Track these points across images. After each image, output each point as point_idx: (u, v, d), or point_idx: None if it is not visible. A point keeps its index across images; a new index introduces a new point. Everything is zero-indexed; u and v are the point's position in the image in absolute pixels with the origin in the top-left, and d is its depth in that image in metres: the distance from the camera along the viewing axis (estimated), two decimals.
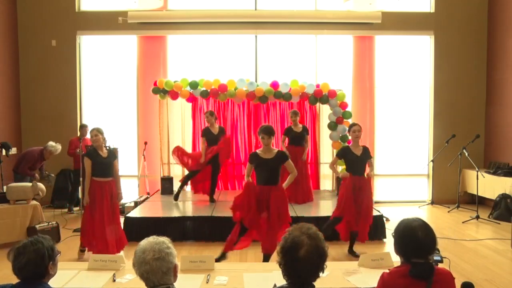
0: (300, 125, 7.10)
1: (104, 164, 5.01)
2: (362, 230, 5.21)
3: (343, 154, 5.27)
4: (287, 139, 7.08)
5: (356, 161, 5.15)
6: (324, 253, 1.84)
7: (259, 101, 7.72)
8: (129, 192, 8.23)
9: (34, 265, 2.06)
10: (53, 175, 7.31)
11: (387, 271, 2.15)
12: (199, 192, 7.19)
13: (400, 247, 2.12)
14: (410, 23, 8.44)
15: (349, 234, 5.26)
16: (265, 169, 4.56)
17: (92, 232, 4.95)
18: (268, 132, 4.57)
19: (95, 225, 4.93)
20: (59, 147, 7.02)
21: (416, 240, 2.05)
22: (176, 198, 7.07)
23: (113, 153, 5.22)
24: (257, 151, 4.69)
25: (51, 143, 6.92)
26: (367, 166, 5.26)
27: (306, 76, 8.31)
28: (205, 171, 6.97)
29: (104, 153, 5.05)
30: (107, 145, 7.18)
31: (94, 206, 4.94)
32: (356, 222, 5.13)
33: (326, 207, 6.79)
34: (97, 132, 5.00)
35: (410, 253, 2.08)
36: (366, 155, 5.19)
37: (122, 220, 6.20)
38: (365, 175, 5.26)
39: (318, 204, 7.15)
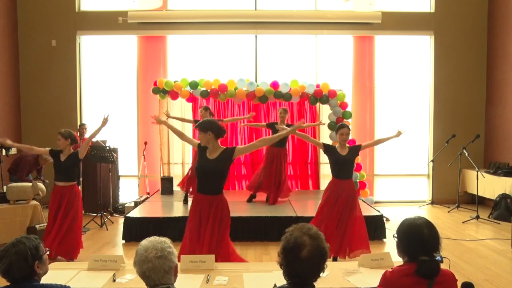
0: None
1: (60, 167, 4.85)
2: (344, 246, 4.56)
3: (329, 149, 4.66)
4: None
5: (341, 162, 4.62)
6: (325, 253, 1.84)
7: (259, 101, 7.72)
8: (129, 192, 8.26)
9: (17, 267, 2.01)
10: (47, 181, 6.94)
11: (390, 269, 2.14)
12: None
13: (405, 246, 2.10)
14: (410, 23, 8.44)
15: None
16: (203, 173, 3.58)
17: (47, 234, 4.85)
18: (201, 127, 3.61)
19: (51, 228, 4.83)
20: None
21: (423, 237, 2.04)
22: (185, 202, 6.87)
23: (73, 157, 4.87)
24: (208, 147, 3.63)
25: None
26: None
27: (306, 76, 8.31)
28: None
29: (63, 156, 4.86)
30: (107, 145, 7.22)
31: (50, 210, 4.85)
32: (335, 237, 4.52)
33: None
34: (60, 136, 4.87)
35: (417, 250, 2.06)
36: (353, 154, 4.70)
37: (122, 220, 6.23)
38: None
39: (318, 204, 7.13)
